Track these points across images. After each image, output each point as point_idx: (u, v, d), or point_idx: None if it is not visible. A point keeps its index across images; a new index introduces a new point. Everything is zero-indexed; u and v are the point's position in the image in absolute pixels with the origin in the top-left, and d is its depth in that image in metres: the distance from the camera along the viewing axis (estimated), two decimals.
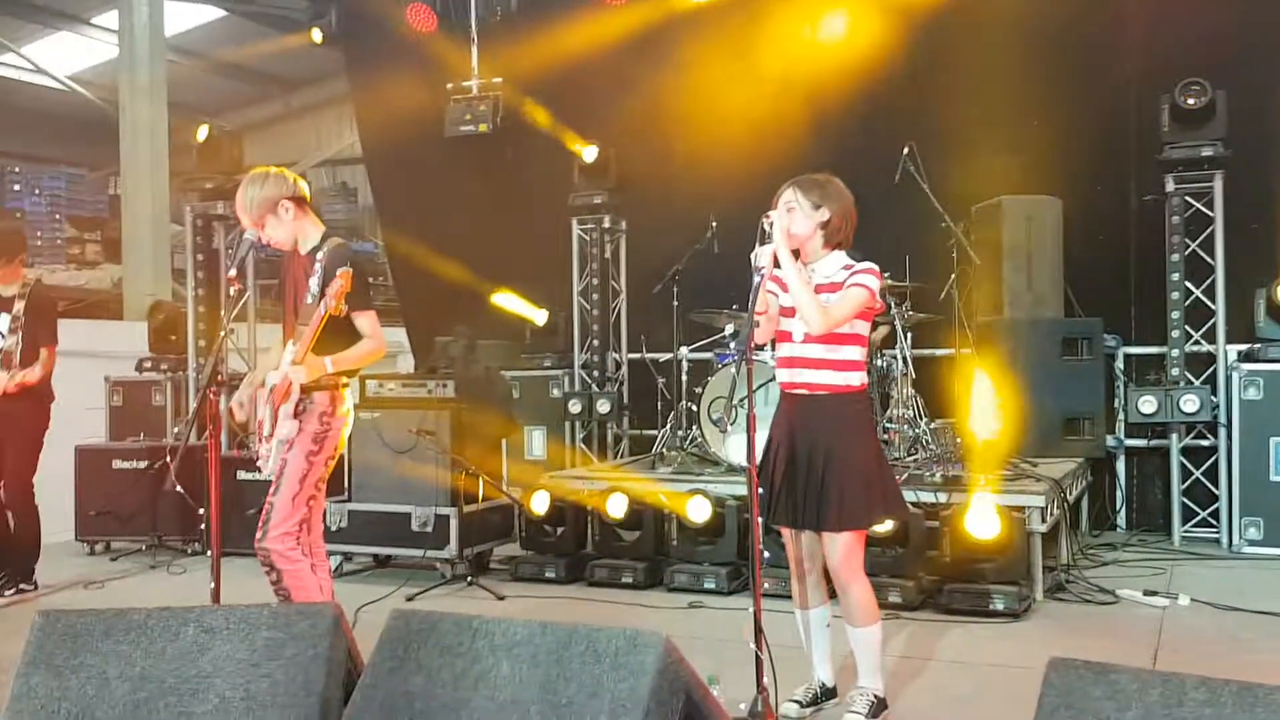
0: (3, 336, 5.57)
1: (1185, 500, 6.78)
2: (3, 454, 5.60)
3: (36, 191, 13.75)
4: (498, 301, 8.20)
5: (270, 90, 16.80)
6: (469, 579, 5.77)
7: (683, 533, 5.62)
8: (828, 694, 3.74)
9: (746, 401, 3.43)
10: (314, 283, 3.76)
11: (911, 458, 5.87)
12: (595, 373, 8.21)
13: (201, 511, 6.56)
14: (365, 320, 3.82)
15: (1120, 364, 7.12)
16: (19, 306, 5.58)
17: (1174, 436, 6.76)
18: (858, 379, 3.58)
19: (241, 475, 6.50)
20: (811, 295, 3.45)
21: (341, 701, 2.78)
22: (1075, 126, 7.03)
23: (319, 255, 3.81)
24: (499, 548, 6.36)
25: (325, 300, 3.63)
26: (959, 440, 6.07)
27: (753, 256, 3.47)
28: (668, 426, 6.83)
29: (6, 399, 5.50)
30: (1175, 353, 6.67)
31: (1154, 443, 7.03)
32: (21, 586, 5.74)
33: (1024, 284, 6.77)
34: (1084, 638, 4.61)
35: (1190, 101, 6.44)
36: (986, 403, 5.98)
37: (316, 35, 9.05)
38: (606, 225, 8.24)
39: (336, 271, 3.65)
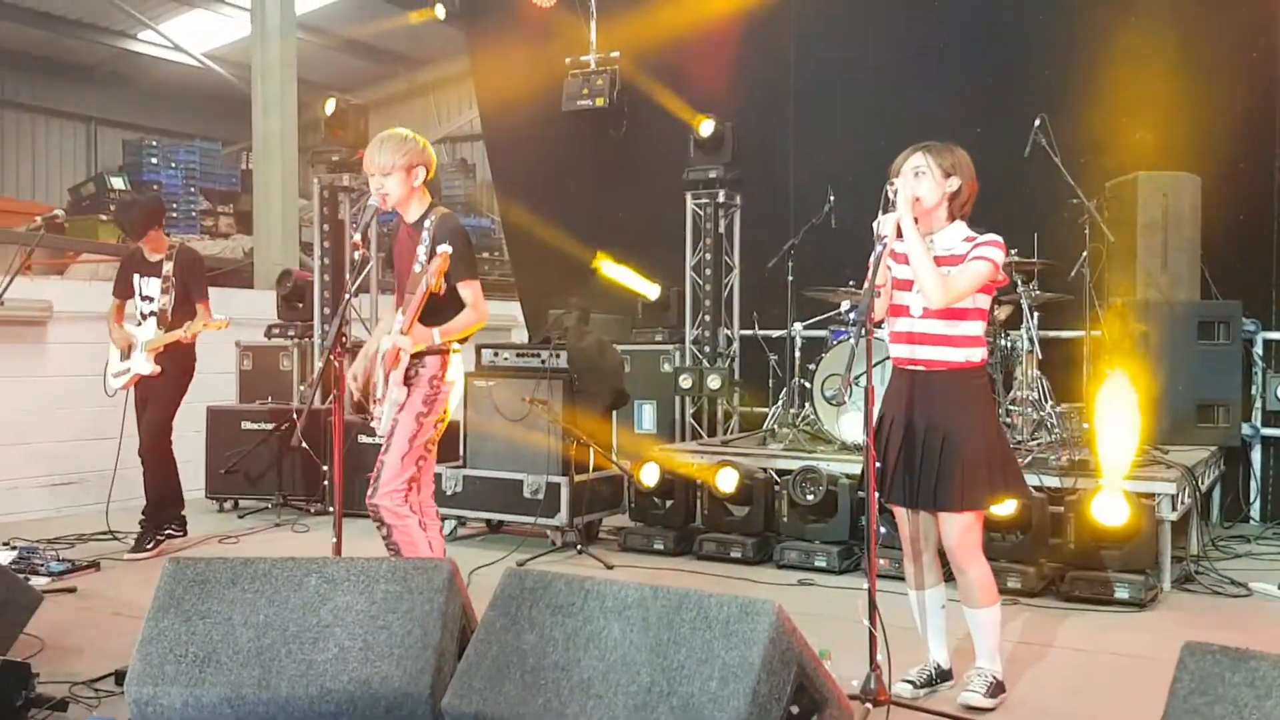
0: (154, 299, 5.83)
1: None
2: (145, 406, 5.86)
3: (172, 165, 14.25)
4: (607, 272, 8.18)
5: (394, 67, 17.10)
6: (578, 547, 5.82)
7: (793, 509, 5.56)
8: (943, 676, 3.65)
9: (864, 376, 3.36)
10: (421, 251, 3.91)
11: (1035, 441, 5.69)
12: (706, 348, 8.17)
13: (325, 469, 6.76)
14: (469, 290, 3.94)
15: (1259, 349, 6.79)
16: (168, 268, 5.83)
17: None
18: (978, 355, 3.47)
19: (362, 439, 6.70)
20: (933, 267, 3.34)
21: (456, 655, 2.83)
22: (1216, 100, 6.68)
23: (426, 225, 3.95)
24: (608, 518, 6.41)
25: (426, 278, 3.74)
26: (1085, 425, 5.85)
27: (875, 225, 3.40)
28: (779, 403, 6.76)
29: (156, 355, 5.75)
30: None
31: None
32: (170, 532, 5.99)
33: (1159, 264, 6.49)
34: (1213, 629, 4.40)
35: None
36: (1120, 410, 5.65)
37: (440, 12, 9.20)
38: (721, 200, 8.17)
39: (438, 249, 3.76)
